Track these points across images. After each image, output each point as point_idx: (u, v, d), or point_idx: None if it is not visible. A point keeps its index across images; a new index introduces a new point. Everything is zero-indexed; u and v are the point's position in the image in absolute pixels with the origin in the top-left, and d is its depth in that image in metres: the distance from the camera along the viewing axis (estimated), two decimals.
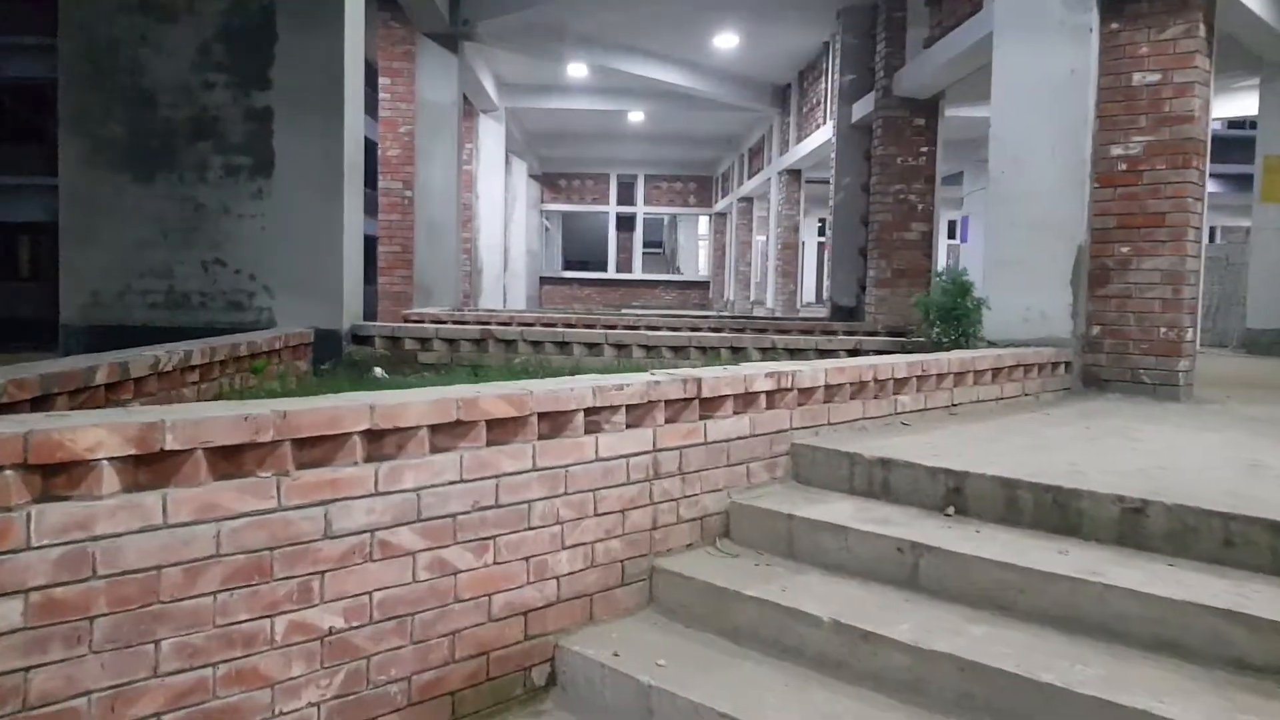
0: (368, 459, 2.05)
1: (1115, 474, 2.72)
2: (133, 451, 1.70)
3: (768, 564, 2.63)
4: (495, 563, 2.25)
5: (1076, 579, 2.20)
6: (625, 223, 23.14)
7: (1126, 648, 2.06)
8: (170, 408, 1.87)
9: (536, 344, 5.27)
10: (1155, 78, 4.71)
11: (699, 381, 2.74)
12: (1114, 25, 4.79)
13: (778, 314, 13.19)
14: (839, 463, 2.96)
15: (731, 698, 2.06)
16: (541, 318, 7.54)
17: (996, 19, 5.12)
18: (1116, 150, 4.84)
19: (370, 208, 8.00)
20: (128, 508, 1.70)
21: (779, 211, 14.11)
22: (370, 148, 9.43)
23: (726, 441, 2.84)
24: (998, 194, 5.07)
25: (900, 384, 3.54)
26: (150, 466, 1.74)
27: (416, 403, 2.11)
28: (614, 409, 2.53)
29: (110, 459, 1.67)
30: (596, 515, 2.47)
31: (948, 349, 4.73)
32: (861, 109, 8.87)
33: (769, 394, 2.98)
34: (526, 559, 2.32)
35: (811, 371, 3.12)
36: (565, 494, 2.40)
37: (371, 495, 2.04)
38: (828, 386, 3.19)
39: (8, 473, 1.56)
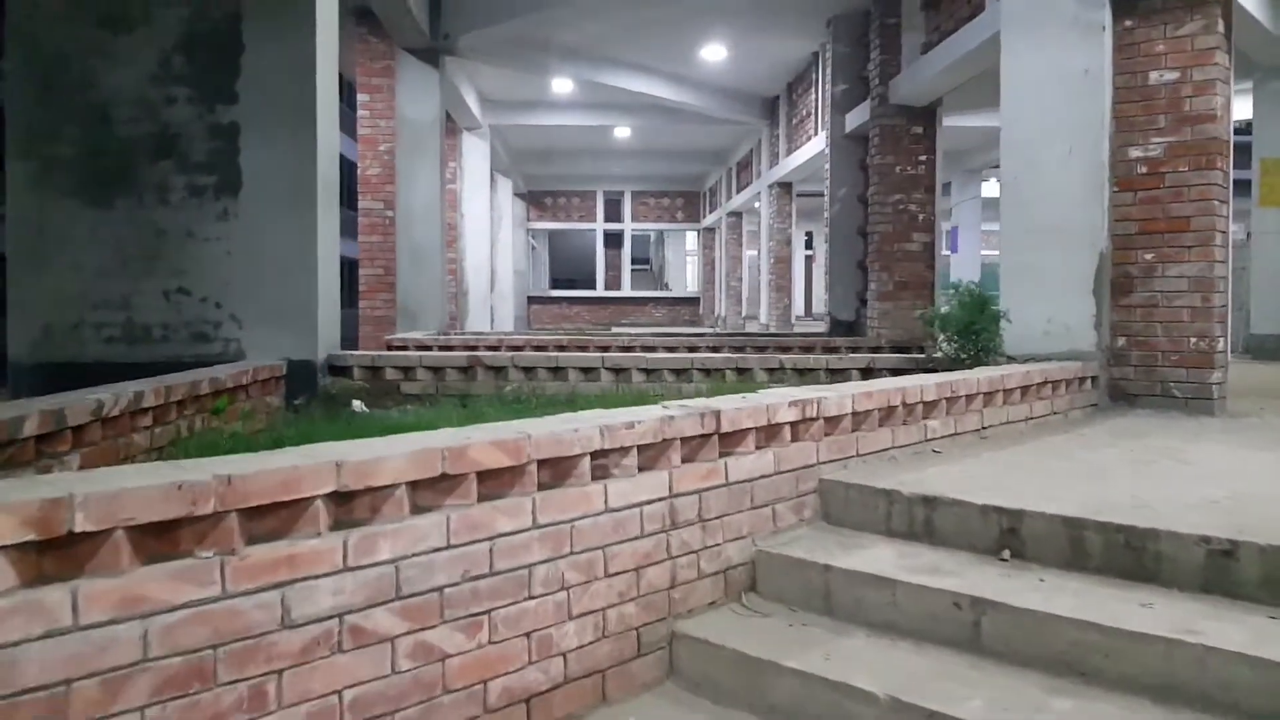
0: (335, 526, 1.71)
1: (1185, 507, 2.43)
2: (32, 537, 1.35)
3: (803, 624, 2.29)
4: (491, 642, 1.91)
5: (1171, 640, 1.89)
6: (613, 240, 22.89)
7: None
8: (86, 475, 1.53)
9: (528, 370, 4.94)
10: (1174, 76, 4.49)
11: (718, 415, 2.42)
12: (1128, 22, 4.58)
13: (772, 329, 12.92)
14: (874, 501, 2.64)
15: None
16: (531, 340, 7.20)
17: (1004, 18, 4.90)
18: (1135, 152, 4.61)
19: (350, 229, 7.66)
20: (26, 609, 1.35)
21: (770, 225, 13.88)
22: (349, 167, 9.13)
23: (749, 481, 2.51)
24: (1012, 199, 4.83)
25: (929, 407, 3.23)
26: (57, 553, 1.39)
27: (393, 456, 1.77)
28: (624, 450, 2.20)
29: (2, 548, 1.32)
30: (607, 576, 2.13)
31: (967, 365, 4.43)
32: (856, 118, 8.65)
33: (793, 425, 2.66)
34: (527, 635, 1.97)
35: (838, 398, 2.81)
36: (571, 554, 2.06)
37: (339, 572, 1.69)
38: (855, 414, 2.88)
39: None
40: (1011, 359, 4.51)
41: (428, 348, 6.59)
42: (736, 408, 2.49)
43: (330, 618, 1.67)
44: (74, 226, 4.51)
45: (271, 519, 1.63)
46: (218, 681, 1.52)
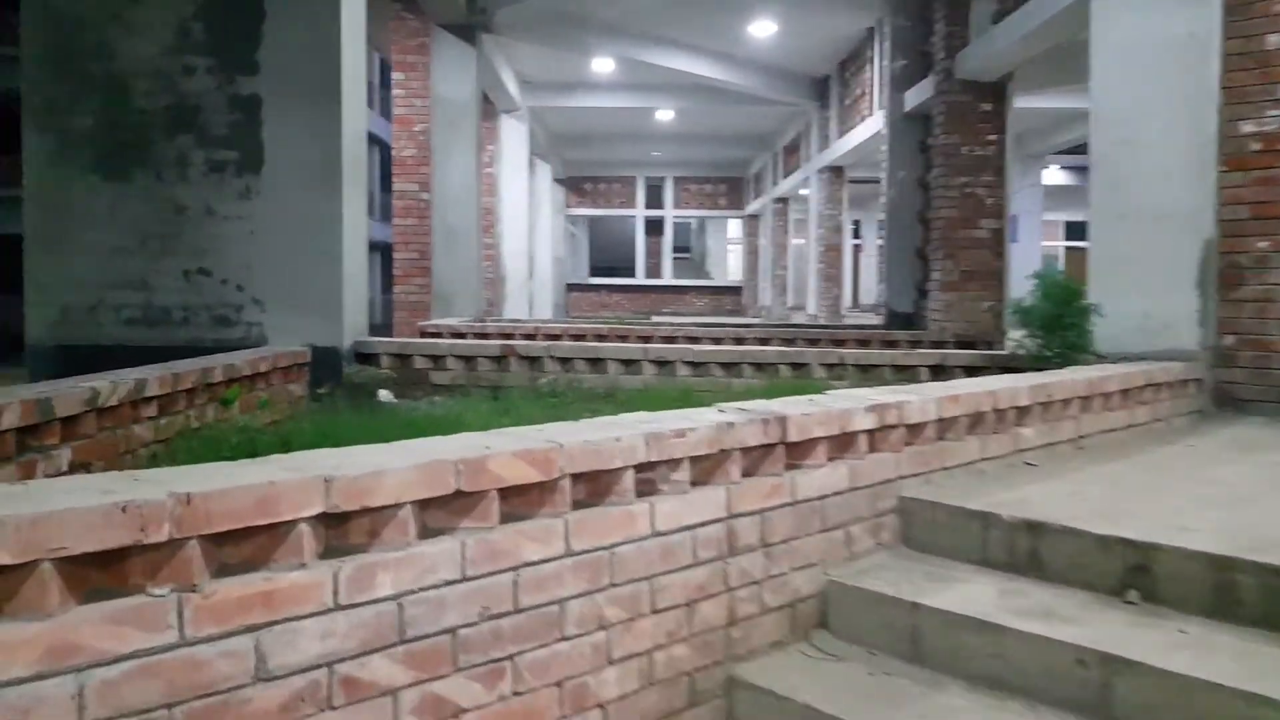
0: (324, 554, 1.39)
1: None
2: None
3: (886, 673, 1.92)
4: (514, 694, 1.58)
5: None
6: (654, 227, 22.49)
7: None
8: (6, 492, 1.23)
9: (565, 360, 4.61)
10: None
11: (784, 421, 2.05)
12: None
13: (821, 320, 12.41)
14: (967, 525, 2.24)
15: None
16: (570, 329, 6.88)
17: None
18: (1248, 127, 4.08)
19: (384, 211, 7.42)
20: None
21: (820, 211, 13.34)
22: (384, 147, 8.90)
23: (820, 499, 2.14)
24: (1103, 180, 4.34)
25: (1021, 413, 2.81)
26: None
27: (396, 469, 1.45)
28: (674, 463, 1.85)
29: None
30: (654, 613, 1.79)
31: (1053, 365, 3.97)
32: (916, 96, 8.11)
33: (870, 433, 2.28)
34: (558, 684, 1.64)
35: (920, 403, 2.42)
36: (611, 586, 1.72)
37: (329, 611, 1.38)
38: (940, 421, 2.48)
39: None
40: (1102, 358, 4.03)
41: (461, 334, 6.32)
42: (804, 413, 2.12)
43: (317, 667, 1.36)
44: (92, 202, 4.31)
45: (245, 546, 1.32)
46: None
